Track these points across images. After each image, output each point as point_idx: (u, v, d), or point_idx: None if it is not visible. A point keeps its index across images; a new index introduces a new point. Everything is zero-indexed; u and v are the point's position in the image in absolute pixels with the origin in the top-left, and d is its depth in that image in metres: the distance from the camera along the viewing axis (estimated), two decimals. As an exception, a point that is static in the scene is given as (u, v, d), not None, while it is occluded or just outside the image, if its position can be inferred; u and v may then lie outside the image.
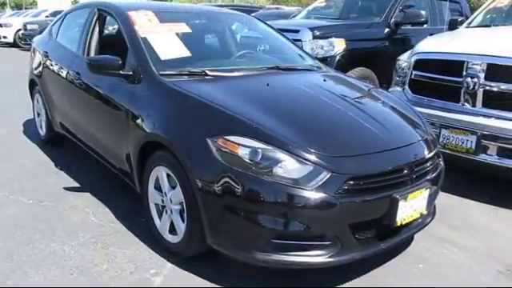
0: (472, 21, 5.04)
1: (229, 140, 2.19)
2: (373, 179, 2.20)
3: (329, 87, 2.95)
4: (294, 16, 7.92)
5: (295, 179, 2.10)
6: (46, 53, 4.16)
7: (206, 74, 2.80)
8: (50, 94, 4.09)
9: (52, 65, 3.99)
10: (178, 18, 3.38)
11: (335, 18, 6.47)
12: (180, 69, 2.85)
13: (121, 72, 2.84)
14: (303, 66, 3.37)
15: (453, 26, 5.34)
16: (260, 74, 2.98)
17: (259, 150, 2.14)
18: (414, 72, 4.07)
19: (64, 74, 3.69)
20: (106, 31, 3.84)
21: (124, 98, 2.85)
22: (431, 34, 6.35)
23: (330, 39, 5.32)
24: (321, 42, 5.30)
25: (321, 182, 2.09)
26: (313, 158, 2.14)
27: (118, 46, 3.24)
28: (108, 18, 3.66)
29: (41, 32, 13.81)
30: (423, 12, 5.97)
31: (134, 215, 3.06)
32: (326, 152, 2.17)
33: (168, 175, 2.51)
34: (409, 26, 6.08)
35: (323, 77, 3.18)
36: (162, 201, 2.59)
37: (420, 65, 4.02)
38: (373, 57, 5.72)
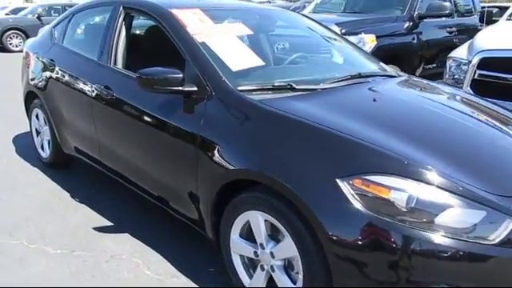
0: (512, 13, 4.68)
1: (372, 181, 1.66)
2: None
3: (438, 100, 2.47)
4: (297, 9, 7.40)
5: (468, 230, 1.59)
6: (52, 61, 3.44)
7: (293, 88, 2.24)
8: (60, 112, 3.39)
9: (63, 76, 3.29)
10: (230, 16, 2.79)
11: (352, 12, 5.99)
12: (258, 82, 2.27)
13: (182, 89, 2.22)
14: (383, 71, 2.85)
15: (488, 18, 5.00)
16: (349, 84, 2.43)
17: (415, 194, 1.62)
18: (478, 71, 3.65)
19: (84, 88, 3.00)
20: (133, 34, 3.17)
21: (188, 122, 2.24)
22: (450, 27, 6.11)
23: (359, 35, 4.84)
24: (350, 38, 4.79)
25: (506, 232, 1.59)
26: (487, 200, 1.63)
27: (156, 54, 2.64)
28: (137, 18, 3.02)
29: (3, 31, 12.66)
30: (447, 4, 5.61)
31: (196, 263, 2.48)
32: (500, 191, 1.67)
33: (266, 221, 1.95)
34: (431, 19, 5.70)
35: (415, 85, 2.69)
36: (255, 253, 2.03)
37: (486, 64, 3.61)
38: (400, 53, 5.30)
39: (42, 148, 3.89)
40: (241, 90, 2.16)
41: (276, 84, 2.25)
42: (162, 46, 2.75)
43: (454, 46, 5.95)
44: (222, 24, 2.62)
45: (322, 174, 1.74)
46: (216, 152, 2.08)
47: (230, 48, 2.42)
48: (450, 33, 6.06)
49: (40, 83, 3.61)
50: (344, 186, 1.68)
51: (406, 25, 5.44)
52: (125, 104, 2.65)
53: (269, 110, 2.00)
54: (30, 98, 3.91)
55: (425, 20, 5.61)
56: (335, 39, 3.19)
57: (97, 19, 3.28)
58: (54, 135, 3.58)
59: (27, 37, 13.36)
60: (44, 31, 3.89)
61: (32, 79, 3.76)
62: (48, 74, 3.48)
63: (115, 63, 2.88)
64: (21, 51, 13.11)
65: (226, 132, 2.08)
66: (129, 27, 2.98)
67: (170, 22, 2.54)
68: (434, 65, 5.82)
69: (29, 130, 4.19)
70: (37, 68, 3.70)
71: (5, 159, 4.09)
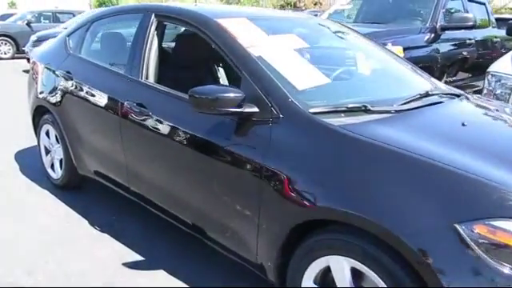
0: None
1: (500, 228, 1.39)
2: None
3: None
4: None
5: None
6: (68, 73, 3.10)
7: (368, 110, 1.96)
8: (77, 129, 3.06)
9: (81, 90, 2.95)
10: (279, 26, 2.51)
11: (369, 23, 5.77)
12: (327, 103, 1.99)
13: (242, 110, 1.92)
14: (442, 89, 2.59)
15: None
16: (424, 105, 2.16)
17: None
18: (526, 88, 3.44)
19: (110, 105, 2.68)
20: (167, 46, 2.87)
21: (247, 148, 1.94)
22: (470, 39, 5.94)
23: (386, 47, 4.57)
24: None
25: None
26: None
27: (194, 68, 2.34)
28: (170, 27, 2.72)
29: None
30: (471, 15, 5.42)
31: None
32: None
33: (352, 269, 1.66)
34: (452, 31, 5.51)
35: (487, 106, 2.44)
36: (336, 305, 1.73)
37: (535, 79, 3.40)
38: (425, 65, 5.06)
39: (53, 168, 3.54)
40: (313, 113, 1.87)
41: (350, 105, 1.96)
42: (201, 59, 2.46)
43: (475, 59, 5.83)
44: (275, 35, 2.33)
45: (435, 218, 1.46)
46: (287, 186, 1.78)
47: (290, 63, 2.13)
48: (470, 45, 5.88)
49: (52, 97, 3.27)
50: (464, 233, 1.40)
51: (429, 36, 5.23)
52: (163, 125, 2.33)
53: (356, 138, 1.71)
54: (38, 114, 3.56)
55: (446, 32, 5.42)
56: (385, 52, 2.92)
57: (122, 28, 2.97)
58: (68, 155, 3.24)
59: (16, 44, 12.92)
60: (57, 39, 3.54)
61: (42, 92, 3.42)
62: (63, 87, 3.15)
63: (147, 78, 2.57)
64: (9, 58, 12.71)
65: (301, 162, 1.78)
66: (162, 38, 2.68)
67: (218, 33, 2.24)
68: (455, 77, 5.63)
69: (30, 145, 3.84)
70: (49, 80, 3.36)
71: (11, 181, 3.71)
